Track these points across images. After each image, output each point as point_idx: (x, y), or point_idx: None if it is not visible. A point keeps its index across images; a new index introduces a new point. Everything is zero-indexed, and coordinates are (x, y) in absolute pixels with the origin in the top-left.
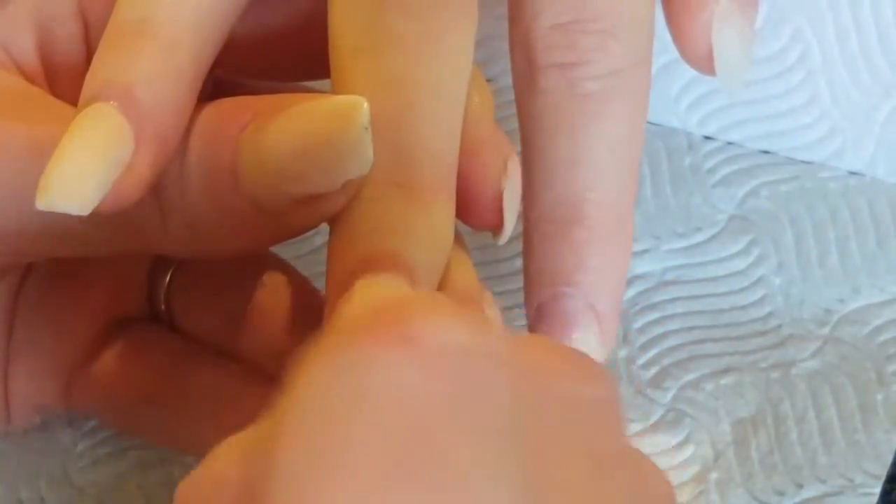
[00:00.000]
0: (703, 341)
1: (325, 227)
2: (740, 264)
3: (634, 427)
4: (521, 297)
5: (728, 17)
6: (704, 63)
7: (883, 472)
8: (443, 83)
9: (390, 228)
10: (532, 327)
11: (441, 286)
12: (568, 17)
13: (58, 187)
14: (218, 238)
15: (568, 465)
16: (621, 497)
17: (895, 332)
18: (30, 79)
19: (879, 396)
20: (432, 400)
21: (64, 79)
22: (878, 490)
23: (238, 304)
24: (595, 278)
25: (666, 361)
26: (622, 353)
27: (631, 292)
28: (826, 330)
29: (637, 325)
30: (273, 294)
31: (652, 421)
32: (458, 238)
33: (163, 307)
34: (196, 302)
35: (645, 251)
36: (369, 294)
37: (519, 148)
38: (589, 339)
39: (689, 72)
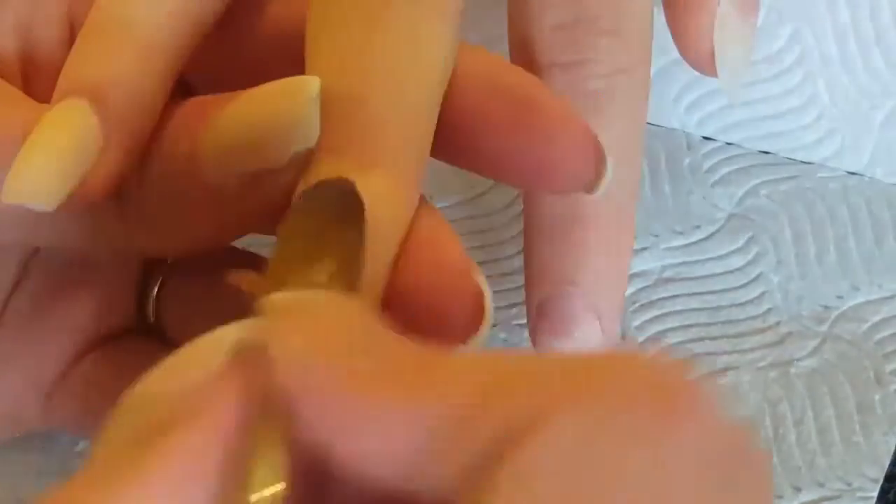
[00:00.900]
0: (701, 339)
1: None
2: (739, 262)
3: None
4: (521, 296)
5: (729, 18)
6: (705, 64)
7: (880, 475)
8: (409, 65)
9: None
10: (533, 326)
11: (424, 262)
12: (569, 17)
13: (24, 181)
14: (174, 230)
15: None
16: None
17: (893, 329)
18: (5, 78)
19: (877, 396)
20: (692, 487)
21: (45, 81)
22: (875, 494)
23: (228, 312)
24: (596, 277)
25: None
26: None
27: (630, 290)
28: (824, 327)
29: (636, 322)
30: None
31: None
32: (436, 214)
33: (152, 318)
34: (185, 311)
35: (643, 249)
36: (636, 361)
37: None
38: (589, 338)
39: (689, 73)
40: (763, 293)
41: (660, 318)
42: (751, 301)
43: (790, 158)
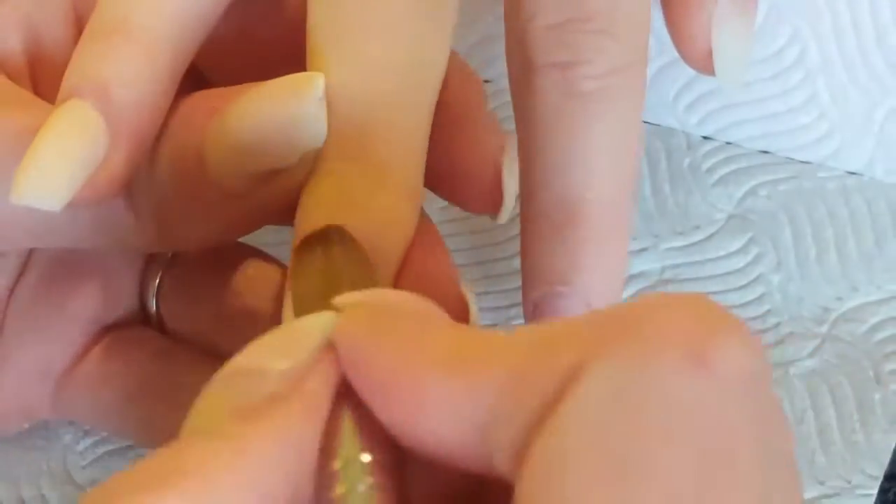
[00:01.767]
0: None
1: None
2: (739, 262)
3: None
4: (519, 297)
5: (727, 17)
6: (704, 63)
7: (880, 473)
8: (412, 70)
9: (346, 203)
10: None
11: (415, 272)
12: (565, 16)
13: (31, 182)
14: (186, 228)
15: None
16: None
17: (893, 329)
18: (13, 79)
19: (877, 396)
20: (732, 426)
21: (52, 81)
22: (874, 491)
23: (227, 304)
24: (592, 277)
25: None
26: None
27: (630, 290)
28: (824, 328)
29: None
30: (262, 294)
31: None
32: (429, 225)
33: (153, 309)
34: (185, 302)
35: (644, 249)
36: (663, 307)
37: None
38: None
39: (688, 72)
40: (763, 294)
41: None
42: (751, 302)
43: (790, 158)
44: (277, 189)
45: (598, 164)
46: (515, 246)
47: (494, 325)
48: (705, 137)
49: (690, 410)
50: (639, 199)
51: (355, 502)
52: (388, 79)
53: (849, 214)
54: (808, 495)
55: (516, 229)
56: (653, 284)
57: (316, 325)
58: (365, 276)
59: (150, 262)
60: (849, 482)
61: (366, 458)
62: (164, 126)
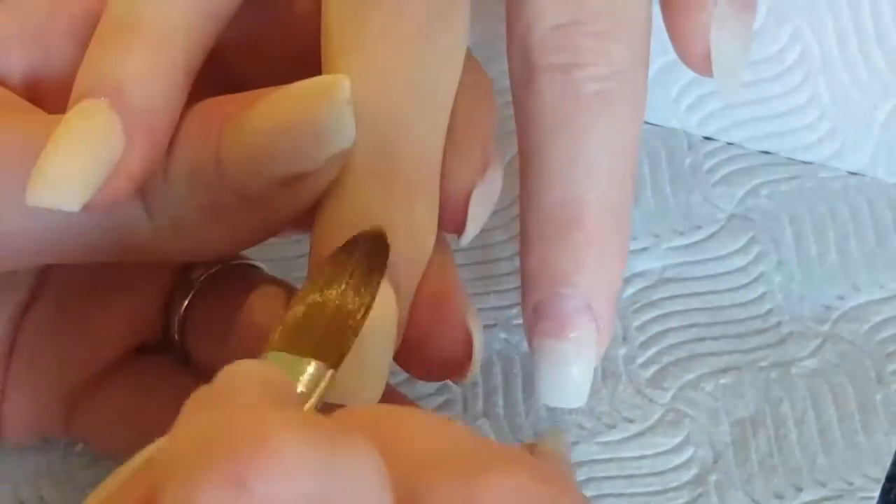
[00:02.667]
0: (702, 339)
1: None
2: (740, 262)
3: (633, 428)
4: (519, 297)
5: (725, 18)
6: (702, 64)
7: (882, 475)
8: (430, 82)
9: (369, 219)
10: (529, 327)
11: (420, 289)
12: (567, 18)
13: (47, 184)
14: (204, 235)
15: None
16: None
17: (894, 329)
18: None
19: (878, 396)
20: None
21: (57, 96)
22: (876, 494)
23: (249, 337)
24: (592, 279)
25: (665, 360)
26: (621, 351)
27: (630, 290)
28: (826, 327)
29: (636, 323)
30: None
31: (651, 421)
32: (441, 240)
33: (176, 338)
34: (209, 334)
35: (644, 249)
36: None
37: (517, 149)
38: (585, 339)
39: (689, 73)
40: (764, 293)
41: (661, 318)
42: (752, 301)
43: (791, 158)
44: (300, 194)
45: (599, 165)
46: (515, 246)
47: (494, 325)
48: (706, 138)
49: None
50: (640, 199)
51: None
52: (407, 93)
53: (850, 214)
54: (809, 497)
55: (516, 229)
56: (653, 284)
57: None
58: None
59: (177, 290)
60: (850, 484)
61: None
62: (179, 131)
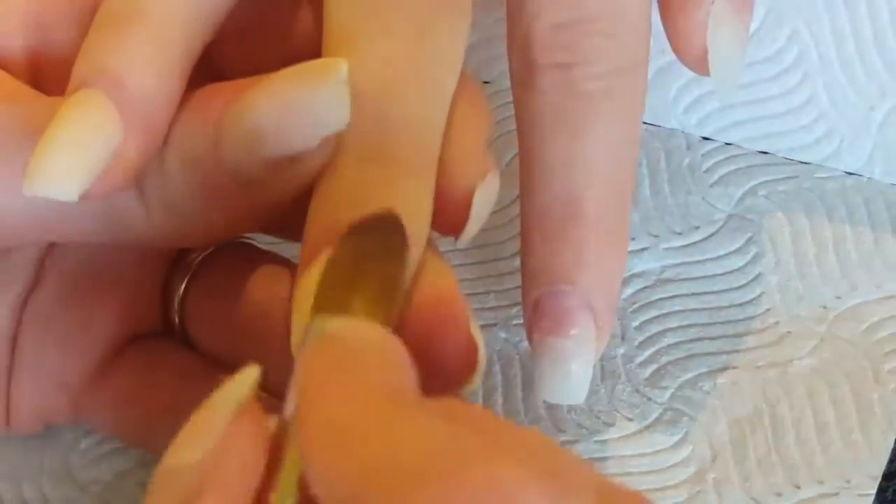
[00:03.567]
0: (700, 339)
1: None
2: (738, 262)
3: (632, 426)
4: (519, 296)
5: (723, 17)
6: (699, 63)
7: (879, 472)
8: (429, 71)
9: (363, 202)
10: (529, 325)
11: (419, 293)
12: (567, 17)
13: (45, 173)
14: (199, 220)
15: None
16: None
17: (891, 329)
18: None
19: (876, 396)
20: None
21: (57, 80)
22: (873, 491)
23: (251, 317)
24: (592, 276)
25: (664, 359)
26: (620, 350)
27: (629, 290)
28: (823, 327)
29: (635, 323)
30: (284, 307)
31: (650, 420)
32: (432, 243)
33: (176, 321)
34: (209, 315)
35: (643, 249)
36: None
37: (517, 149)
38: (585, 336)
39: (688, 73)
40: (762, 293)
41: (659, 318)
42: (750, 301)
43: (789, 159)
44: (294, 176)
45: (599, 163)
46: (515, 246)
47: (494, 325)
48: (705, 138)
49: None
50: (638, 200)
51: None
52: (407, 78)
53: (847, 214)
54: (807, 495)
55: (516, 229)
56: (652, 284)
57: (224, 402)
58: (394, 279)
59: (174, 273)
60: (848, 482)
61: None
62: (176, 118)
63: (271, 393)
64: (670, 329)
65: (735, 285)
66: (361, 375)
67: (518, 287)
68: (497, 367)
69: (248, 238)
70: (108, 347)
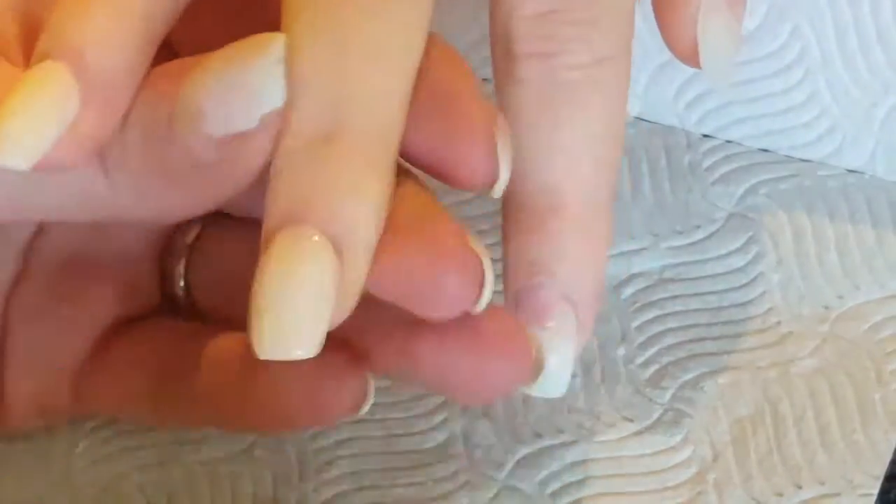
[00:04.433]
0: (702, 339)
1: None
2: (739, 261)
3: (633, 427)
4: None
5: (714, 10)
6: (690, 56)
7: (881, 472)
8: (388, 40)
9: (318, 188)
10: None
11: (411, 225)
12: (547, 6)
13: None
14: (161, 197)
15: None
16: None
17: (894, 328)
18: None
19: (878, 396)
20: None
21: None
22: (875, 492)
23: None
24: (571, 268)
25: (665, 360)
26: (620, 351)
27: (630, 290)
28: (825, 327)
29: (636, 323)
30: None
31: (650, 420)
32: (419, 183)
33: (181, 294)
34: (219, 280)
35: (643, 249)
36: None
37: None
38: (564, 329)
39: (688, 71)
40: (763, 293)
41: (660, 318)
42: (751, 301)
43: (790, 156)
44: (242, 155)
45: (580, 154)
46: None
47: None
48: (705, 136)
49: None
50: (638, 198)
51: None
52: (364, 54)
53: (849, 212)
54: (808, 495)
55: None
56: (653, 284)
57: None
58: None
59: (170, 248)
60: (850, 482)
61: None
62: (140, 92)
63: None
64: (671, 329)
65: (736, 285)
66: None
67: None
68: None
69: None
70: (105, 327)
